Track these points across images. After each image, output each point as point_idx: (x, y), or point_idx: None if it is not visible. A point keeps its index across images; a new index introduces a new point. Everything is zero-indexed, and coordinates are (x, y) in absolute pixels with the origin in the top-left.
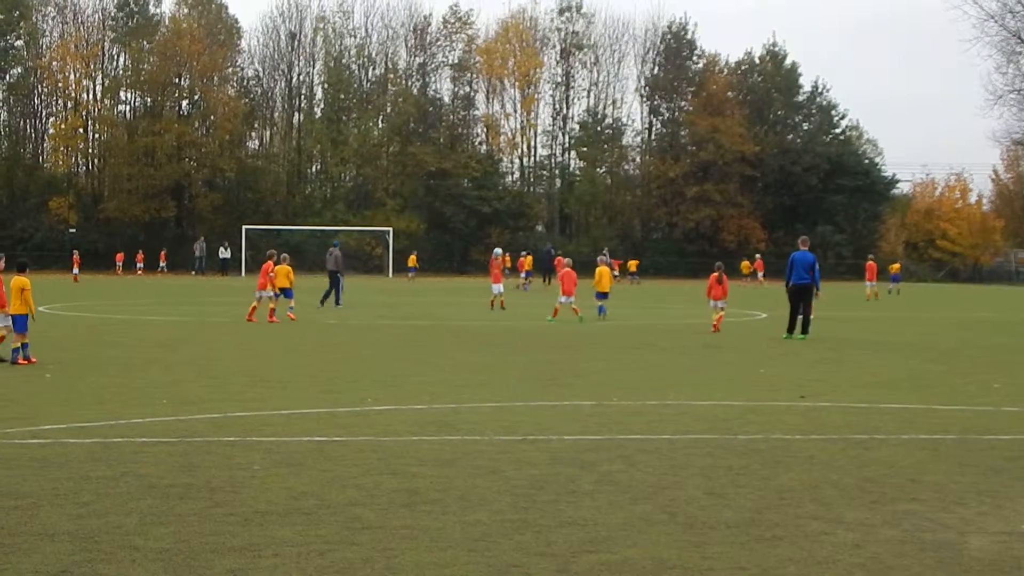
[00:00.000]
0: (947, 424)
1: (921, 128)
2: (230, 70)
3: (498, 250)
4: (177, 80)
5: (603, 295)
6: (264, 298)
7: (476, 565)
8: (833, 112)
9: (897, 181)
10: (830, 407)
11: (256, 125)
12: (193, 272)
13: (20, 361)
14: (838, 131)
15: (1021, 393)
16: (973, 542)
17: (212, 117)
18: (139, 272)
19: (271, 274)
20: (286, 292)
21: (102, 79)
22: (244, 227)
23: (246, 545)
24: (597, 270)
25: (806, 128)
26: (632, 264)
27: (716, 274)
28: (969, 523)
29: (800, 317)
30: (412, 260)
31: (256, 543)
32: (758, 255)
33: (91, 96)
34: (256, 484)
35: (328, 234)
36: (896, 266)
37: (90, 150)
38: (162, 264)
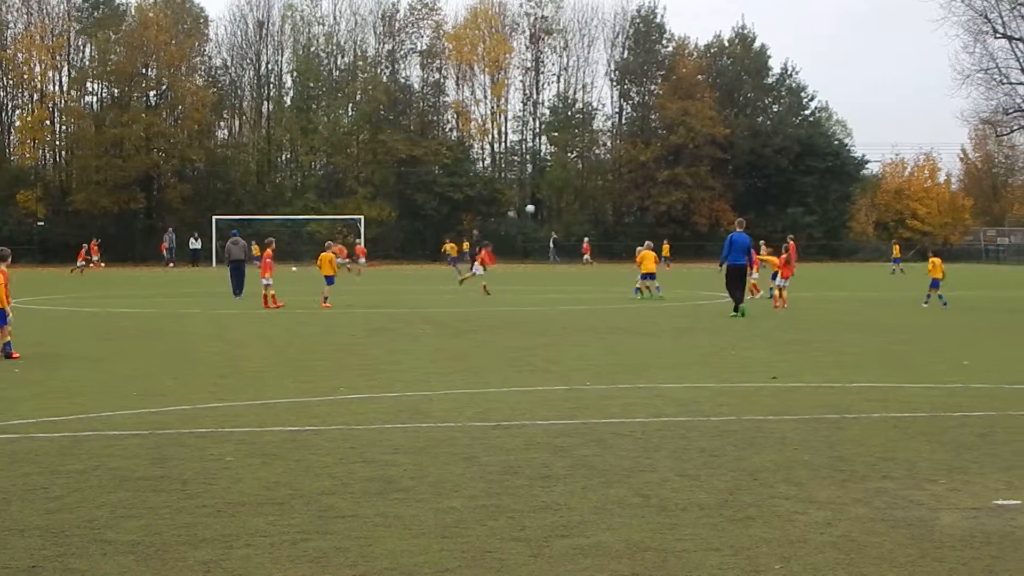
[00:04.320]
0: (918, 402)
1: (890, 108)
2: (198, 60)
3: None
4: (144, 70)
5: (650, 275)
6: (269, 285)
7: (450, 552)
8: (802, 94)
9: (867, 162)
10: (802, 387)
11: (225, 115)
12: (170, 265)
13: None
14: (807, 113)
15: (990, 370)
16: (944, 518)
17: (180, 107)
18: (92, 265)
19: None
20: (329, 279)
21: (68, 70)
22: (214, 217)
23: (218, 536)
24: (641, 253)
25: (776, 110)
26: (665, 248)
27: (786, 254)
28: (940, 500)
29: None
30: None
31: (229, 534)
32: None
33: (57, 88)
34: (228, 475)
35: (300, 223)
36: (896, 248)
37: (57, 142)
38: (94, 257)
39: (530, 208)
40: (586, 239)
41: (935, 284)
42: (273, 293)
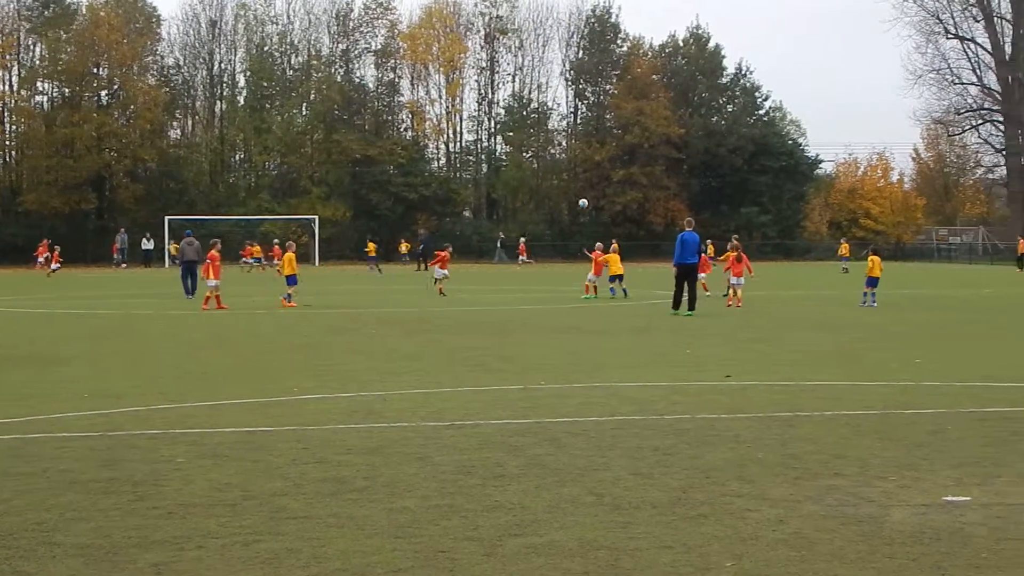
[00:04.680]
0: (870, 400)
1: (843, 108)
2: (150, 59)
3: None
4: (96, 70)
5: (618, 277)
6: (214, 286)
7: (403, 552)
8: (756, 94)
9: (820, 161)
10: (755, 386)
11: (178, 114)
12: (122, 265)
13: None
14: (762, 113)
15: (942, 368)
16: (895, 515)
17: (132, 107)
18: (38, 266)
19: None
20: (290, 279)
21: (18, 70)
22: (167, 217)
23: (169, 538)
24: (608, 256)
25: (730, 110)
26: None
27: (736, 252)
28: (891, 497)
29: (686, 296)
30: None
31: (180, 536)
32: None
33: (7, 87)
34: (180, 477)
35: (253, 223)
36: (846, 247)
37: (7, 142)
38: (40, 259)
39: (583, 203)
40: (522, 240)
41: (872, 283)
42: (218, 295)
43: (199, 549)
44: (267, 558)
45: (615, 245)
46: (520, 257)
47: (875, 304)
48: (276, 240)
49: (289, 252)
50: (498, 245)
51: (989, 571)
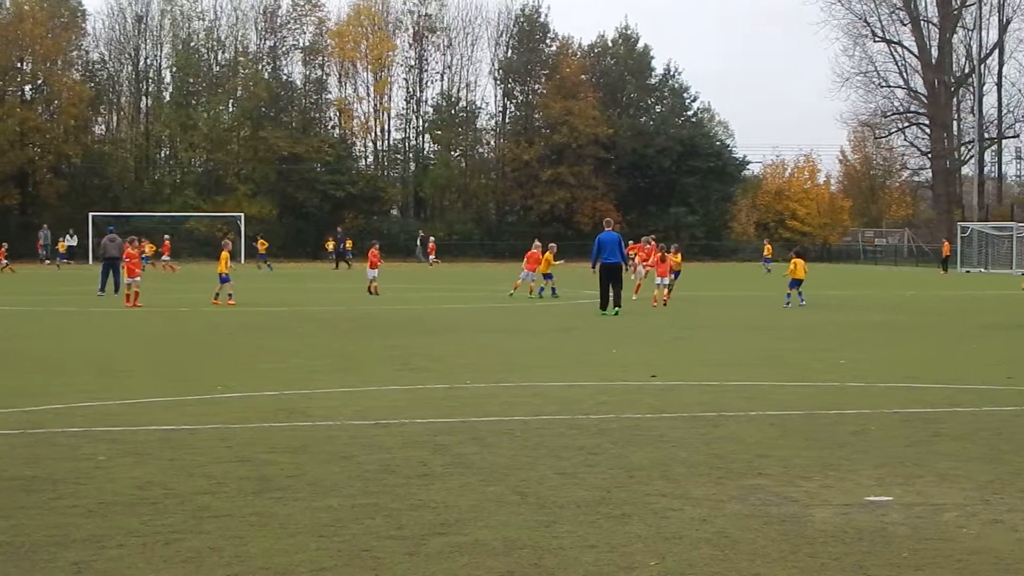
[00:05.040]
0: (794, 400)
1: (771, 110)
2: (75, 54)
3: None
4: (19, 64)
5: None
6: (133, 283)
7: (326, 551)
8: (685, 95)
9: (748, 163)
10: (681, 386)
11: (103, 110)
12: (48, 262)
13: None
14: (690, 114)
15: (866, 369)
16: (817, 515)
17: (56, 102)
18: None
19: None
20: (222, 277)
21: None
22: (91, 214)
23: (90, 537)
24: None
25: (659, 111)
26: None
27: (660, 253)
28: (814, 496)
29: (612, 294)
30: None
31: (101, 534)
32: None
33: None
34: (101, 475)
35: (179, 220)
36: (769, 248)
37: None
38: None
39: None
40: (432, 239)
41: (795, 284)
42: (137, 291)
43: (120, 548)
44: (189, 556)
45: (553, 246)
46: (429, 256)
47: (803, 303)
48: (167, 236)
49: (224, 251)
50: (418, 243)
51: (910, 570)
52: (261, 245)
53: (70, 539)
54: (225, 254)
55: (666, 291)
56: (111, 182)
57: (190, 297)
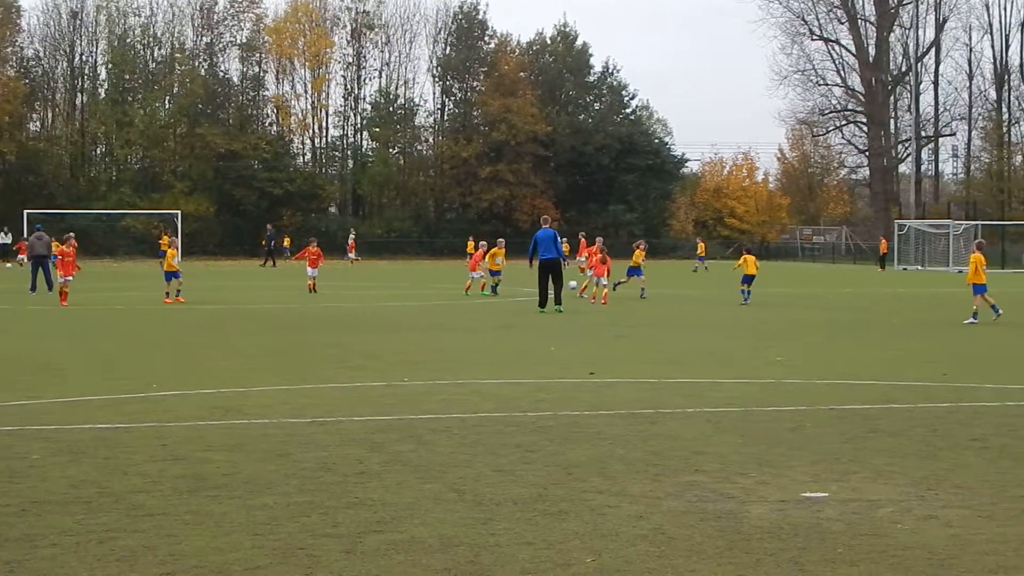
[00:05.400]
0: (732, 397)
1: (709, 107)
2: (9, 50)
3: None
4: None
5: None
6: (66, 282)
7: (261, 549)
8: (623, 92)
9: (686, 160)
10: (619, 383)
11: (37, 106)
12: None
13: None
14: (628, 111)
15: (803, 366)
16: (753, 511)
17: None
18: None
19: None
20: (172, 274)
21: None
22: (26, 211)
23: (23, 536)
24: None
25: (597, 108)
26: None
27: (600, 255)
28: (750, 493)
29: (552, 292)
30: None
31: (33, 533)
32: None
33: None
34: (35, 474)
35: (115, 217)
36: (702, 246)
37: None
38: None
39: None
40: (351, 235)
41: (747, 279)
42: (67, 290)
43: (53, 547)
44: (123, 555)
45: (501, 241)
46: (349, 254)
47: (747, 301)
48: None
49: (171, 249)
50: (350, 240)
51: (844, 566)
52: (164, 243)
53: (2, 538)
54: (172, 252)
55: (605, 290)
56: (46, 179)
57: (125, 296)
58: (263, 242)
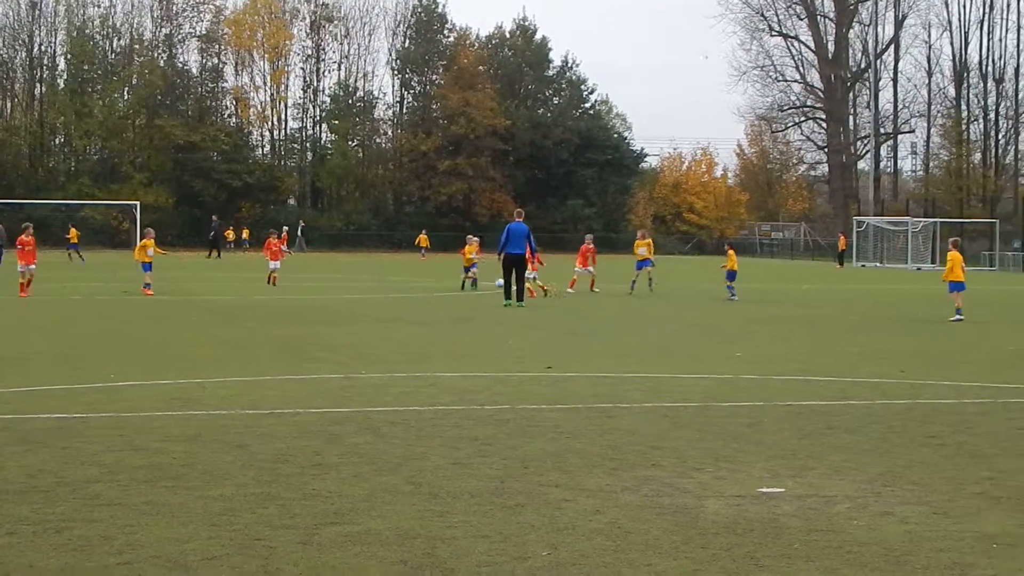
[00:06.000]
0: (690, 392)
1: (668, 103)
2: None
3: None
4: None
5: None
6: (28, 272)
7: (218, 539)
8: (583, 87)
9: (645, 155)
10: (577, 377)
11: None
12: None
13: None
14: (588, 106)
15: (761, 362)
16: (710, 506)
17: None
18: None
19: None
20: (145, 265)
21: None
22: None
23: None
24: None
25: (556, 102)
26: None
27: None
28: (707, 487)
29: (516, 287)
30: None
31: None
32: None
33: None
34: None
35: (73, 208)
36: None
37: None
38: None
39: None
40: (285, 229)
41: (731, 276)
42: (30, 279)
43: (10, 535)
44: (79, 545)
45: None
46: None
47: (734, 297)
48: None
49: (146, 239)
50: (299, 233)
51: (800, 561)
52: (73, 234)
53: None
54: (147, 242)
55: (541, 285)
56: (5, 169)
57: (83, 286)
58: (212, 234)
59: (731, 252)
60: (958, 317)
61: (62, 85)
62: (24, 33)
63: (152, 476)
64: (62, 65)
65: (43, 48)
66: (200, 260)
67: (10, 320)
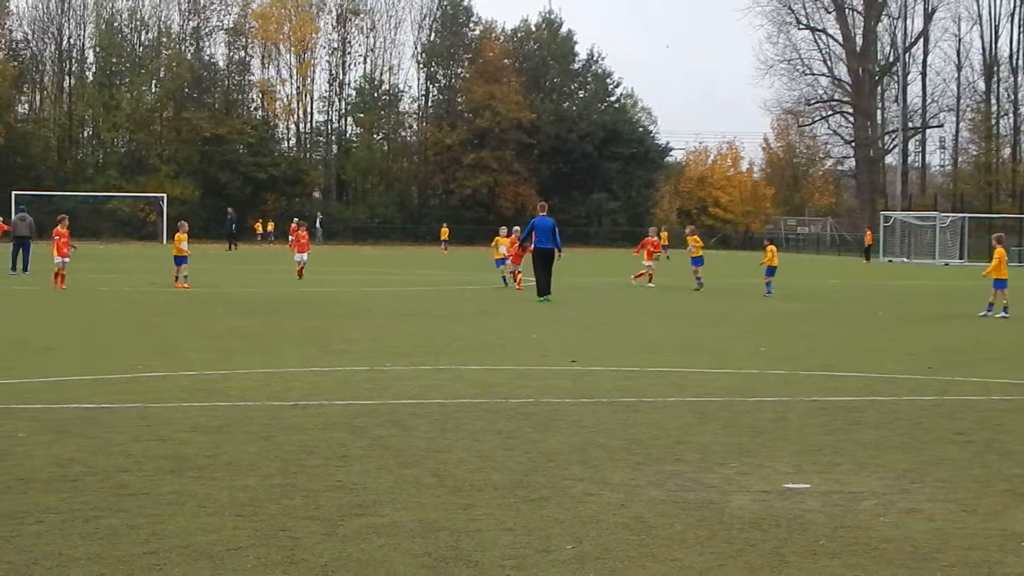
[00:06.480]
0: (714, 387)
1: (694, 96)
2: None
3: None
4: None
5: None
6: (61, 263)
7: (243, 530)
8: (608, 80)
9: (671, 149)
10: (601, 371)
11: (25, 89)
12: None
13: None
14: (613, 99)
15: (785, 356)
16: (735, 501)
17: None
18: None
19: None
20: (182, 259)
21: None
22: (13, 193)
23: (8, 513)
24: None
25: (582, 96)
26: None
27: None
28: (731, 483)
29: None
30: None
31: (19, 511)
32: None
33: None
34: (20, 452)
35: (101, 200)
36: (665, 235)
37: None
38: None
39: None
40: (295, 220)
41: (771, 272)
42: (63, 272)
43: (38, 524)
44: (107, 534)
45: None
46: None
47: (770, 293)
48: (64, 216)
49: (180, 232)
50: (317, 225)
51: (826, 557)
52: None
53: None
54: (181, 235)
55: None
56: (34, 161)
57: (111, 278)
58: (232, 226)
59: (772, 248)
60: (1003, 314)
61: (90, 78)
62: (53, 26)
63: (178, 466)
64: (91, 58)
65: (72, 41)
66: (223, 253)
67: (38, 311)
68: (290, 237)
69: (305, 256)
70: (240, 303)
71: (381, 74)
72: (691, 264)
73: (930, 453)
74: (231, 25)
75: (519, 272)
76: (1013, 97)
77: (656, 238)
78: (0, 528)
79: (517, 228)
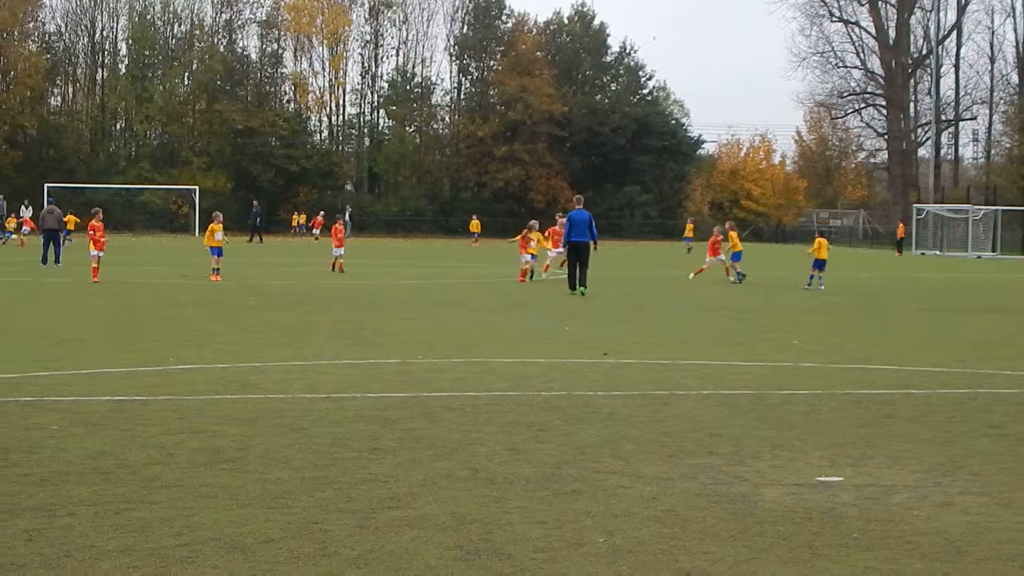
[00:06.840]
0: (746, 380)
1: (727, 89)
2: (31, 25)
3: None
4: None
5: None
6: (98, 257)
7: (275, 522)
8: (640, 73)
9: (703, 142)
10: (632, 364)
11: (58, 81)
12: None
13: None
14: (645, 92)
15: (818, 350)
16: (767, 494)
17: (12, 73)
18: None
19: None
20: (214, 250)
21: None
22: (46, 185)
23: (41, 505)
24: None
25: (614, 88)
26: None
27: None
28: (763, 476)
29: (579, 273)
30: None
31: (52, 503)
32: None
33: None
34: (53, 444)
35: (133, 193)
36: (690, 227)
37: None
38: None
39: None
40: (321, 213)
41: (818, 265)
42: (97, 266)
43: (71, 516)
44: (139, 526)
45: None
46: (314, 230)
47: (823, 287)
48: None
49: (214, 223)
50: (346, 217)
51: (859, 551)
52: (316, 222)
53: (21, 507)
54: (215, 226)
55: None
56: (66, 153)
57: (143, 270)
58: (258, 219)
59: (823, 240)
60: None
61: (123, 70)
62: (87, 19)
63: (210, 459)
64: (123, 51)
65: (105, 34)
66: (255, 245)
67: (71, 303)
68: (315, 230)
69: (341, 250)
70: (271, 296)
71: (413, 67)
72: (730, 259)
73: (963, 446)
74: (264, 18)
75: (527, 265)
76: None
77: (719, 236)
78: (33, 520)
79: (560, 217)
